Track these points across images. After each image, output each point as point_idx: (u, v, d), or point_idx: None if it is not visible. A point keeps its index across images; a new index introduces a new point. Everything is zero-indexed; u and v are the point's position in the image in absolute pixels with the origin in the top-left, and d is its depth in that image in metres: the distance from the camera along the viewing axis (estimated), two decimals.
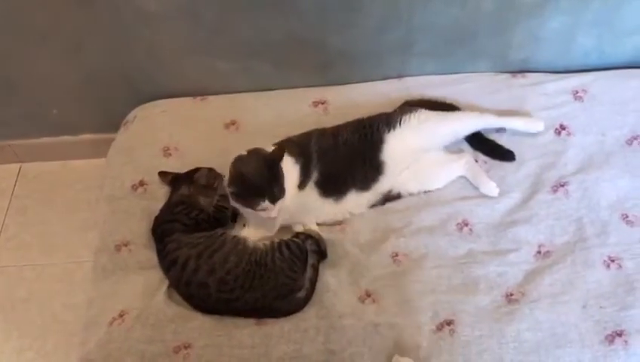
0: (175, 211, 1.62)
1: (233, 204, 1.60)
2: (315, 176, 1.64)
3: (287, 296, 1.50)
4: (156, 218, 1.65)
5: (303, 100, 1.92)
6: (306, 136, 1.70)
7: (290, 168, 1.62)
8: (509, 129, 1.77)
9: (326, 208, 1.66)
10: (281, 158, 1.56)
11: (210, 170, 1.71)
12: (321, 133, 1.71)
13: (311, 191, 1.64)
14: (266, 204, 1.52)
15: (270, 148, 1.68)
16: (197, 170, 1.71)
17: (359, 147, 1.67)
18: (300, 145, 1.67)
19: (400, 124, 1.69)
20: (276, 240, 1.57)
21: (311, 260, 1.54)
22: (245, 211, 1.61)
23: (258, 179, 1.53)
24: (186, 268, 1.52)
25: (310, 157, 1.65)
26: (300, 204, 1.63)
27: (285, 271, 1.50)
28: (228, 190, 1.57)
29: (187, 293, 1.53)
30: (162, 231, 1.61)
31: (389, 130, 1.68)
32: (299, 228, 1.65)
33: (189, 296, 1.53)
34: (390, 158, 1.67)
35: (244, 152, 1.60)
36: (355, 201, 1.67)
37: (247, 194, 1.54)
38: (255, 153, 1.60)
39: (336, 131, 1.71)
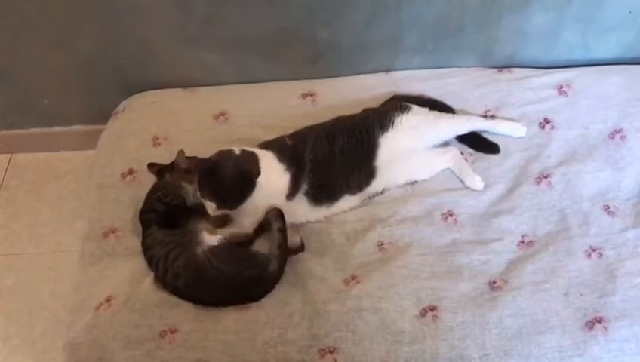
0: (152, 198, 1.62)
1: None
2: (305, 187, 1.63)
3: (258, 281, 1.49)
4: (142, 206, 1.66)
5: (292, 92, 1.94)
6: (302, 142, 1.66)
7: (279, 176, 1.60)
8: (493, 132, 1.79)
9: (316, 214, 1.66)
10: (257, 176, 1.52)
11: (192, 157, 1.69)
12: (317, 137, 1.67)
13: (300, 201, 1.63)
14: (212, 204, 1.52)
15: (262, 139, 1.70)
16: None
17: (355, 154, 1.67)
18: (295, 152, 1.64)
19: (392, 126, 1.70)
20: (206, 245, 1.51)
21: (276, 224, 1.51)
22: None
23: (222, 180, 1.51)
24: (158, 268, 1.52)
25: (303, 168, 1.63)
26: (289, 211, 1.59)
27: (238, 269, 1.47)
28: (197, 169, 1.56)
29: (165, 287, 1.53)
30: (143, 221, 1.61)
31: (382, 133, 1.69)
32: None
33: (172, 293, 1.53)
34: (383, 162, 1.68)
35: (238, 150, 1.57)
36: (347, 203, 1.68)
37: (204, 184, 1.53)
38: (242, 158, 1.56)
39: (331, 135, 1.67)
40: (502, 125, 1.80)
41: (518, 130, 1.79)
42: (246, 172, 1.53)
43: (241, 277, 1.48)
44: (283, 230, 1.51)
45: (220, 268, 1.47)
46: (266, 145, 1.67)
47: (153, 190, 1.66)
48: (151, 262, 1.55)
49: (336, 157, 1.65)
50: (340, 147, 1.66)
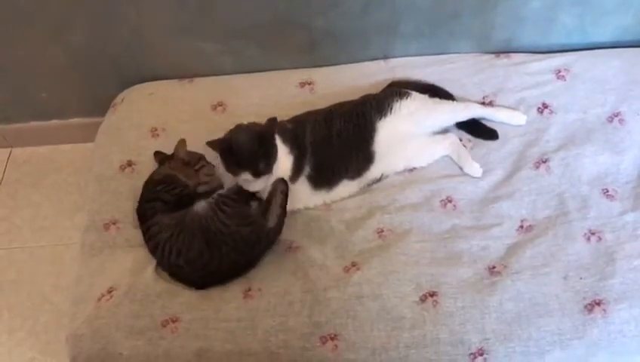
0: (157, 189, 1.63)
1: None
2: (307, 170, 1.64)
3: (260, 238, 1.51)
4: (140, 196, 1.66)
5: (290, 81, 1.94)
6: (301, 126, 1.68)
7: (283, 158, 1.61)
8: (492, 120, 1.79)
9: (316, 198, 1.67)
10: (274, 131, 1.55)
11: (193, 152, 1.70)
12: (315, 121, 1.69)
13: (302, 185, 1.64)
14: (248, 176, 1.53)
15: None
16: None
17: (353, 138, 1.67)
18: (296, 136, 1.65)
19: (390, 111, 1.70)
20: (212, 198, 1.55)
21: (280, 187, 1.54)
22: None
23: (245, 150, 1.52)
24: (164, 251, 1.53)
25: (305, 151, 1.64)
26: (290, 195, 1.60)
27: (240, 225, 1.50)
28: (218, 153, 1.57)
29: (171, 274, 1.55)
30: (144, 211, 1.61)
31: (380, 118, 1.69)
32: None
33: (174, 276, 1.55)
34: (381, 146, 1.68)
35: (245, 123, 1.60)
36: (346, 189, 1.69)
37: (229, 161, 1.54)
38: (253, 125, 1.60)
39: (329, 119, 1.69)
40: (501, 113, 1.79)
41: (518, 118, 1.79)
42: (262, 131, 1.55)
43: (240, 232, 1.49)
44: (285, 192, 1.54)
45: (224, 221, 1.50)
46: None
47: (153, 182, 1.65)
48: (156, 248, 1.55)
49: (333, 140, 1.66)
50: (338, 131, 1.67)
